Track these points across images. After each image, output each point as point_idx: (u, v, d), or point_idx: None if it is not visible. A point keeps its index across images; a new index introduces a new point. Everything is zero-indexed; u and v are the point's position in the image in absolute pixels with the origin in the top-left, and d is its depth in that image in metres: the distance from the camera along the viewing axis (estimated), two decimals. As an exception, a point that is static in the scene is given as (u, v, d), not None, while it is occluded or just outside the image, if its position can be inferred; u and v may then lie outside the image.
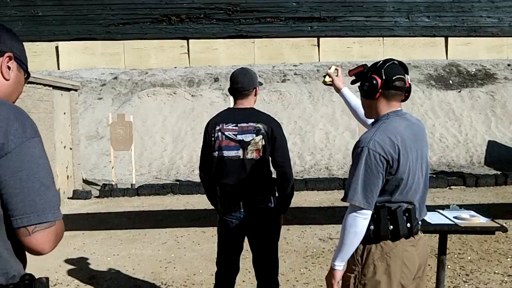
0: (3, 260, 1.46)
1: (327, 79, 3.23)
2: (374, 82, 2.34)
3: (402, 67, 2.41)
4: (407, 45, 15.91)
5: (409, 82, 2.44)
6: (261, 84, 3.66)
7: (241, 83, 3.42)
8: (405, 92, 2.44)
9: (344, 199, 2.28)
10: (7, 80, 1.60)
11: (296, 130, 13.25)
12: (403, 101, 2.47)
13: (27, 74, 1.71)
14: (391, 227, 2.29)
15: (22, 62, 1.67)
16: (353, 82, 2.57)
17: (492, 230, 3.38)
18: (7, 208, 1.43)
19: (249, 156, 3.32)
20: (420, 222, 2.46)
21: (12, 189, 1.42)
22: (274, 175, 3.44)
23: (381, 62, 2.40)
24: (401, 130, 2.31)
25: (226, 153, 3.35)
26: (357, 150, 2.28)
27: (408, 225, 2.32)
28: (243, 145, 3.32)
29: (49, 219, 1.47)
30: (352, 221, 2.25)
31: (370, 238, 2.31)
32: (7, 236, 1.47)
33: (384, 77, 2.33)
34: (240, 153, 3.33)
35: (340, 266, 2.32)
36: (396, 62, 2.40)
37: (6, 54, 1.59)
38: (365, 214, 2.24)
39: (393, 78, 2.33)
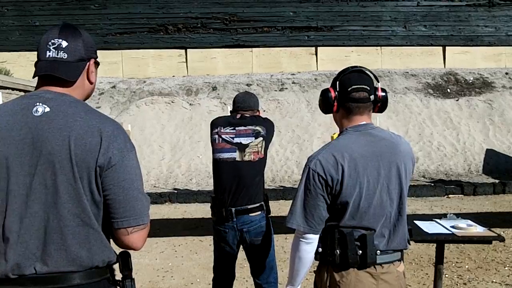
0: (107, 250, 1.65)
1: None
2: (329, 95, 2.14)
3: (368, 75, 2.15)
4: (404, 54, 15.94)
5: (382, 91, 2.17)
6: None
7: (247, 102, 3.47)
8: (377, 103, 2.17)
9: (286, 223, 2.11)
10: (92, 83, 1.81)
11: (294, 138, 13.24)
12: (379, 111, 2.22)
13: (98, 63, 1.86)
14: (338, 251, 2.04)
15: (96, 58, 1.82)
16: None
17: (489, 239, 3.37)
18: (109, 211, 1.62)
19: (246, 158, 3.30)
20: (392, 252, 2.10)
21: (116, 196, 1.60)
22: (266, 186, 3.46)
23: (339, 72, 2.18)
24: (354, 147, 2.05)
25: (221, 156, 3.35)
26: (303, 169, 2.11)
27: (360, 252, 2.02)
28: (241, 147, 3.31)
29: (144, 221, 1.67)
30: (294, 246, 2.11)
31: (320, 262, 2.14)
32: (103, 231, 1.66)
33: (338, 89, 2.12)
34: (235, 155, 3.30)
35: None
36: (358, 70, 2.14)
37: (92, 60, 1.77)
38: (308, 238, 2.07)
39: (349, 89, 2.08)
